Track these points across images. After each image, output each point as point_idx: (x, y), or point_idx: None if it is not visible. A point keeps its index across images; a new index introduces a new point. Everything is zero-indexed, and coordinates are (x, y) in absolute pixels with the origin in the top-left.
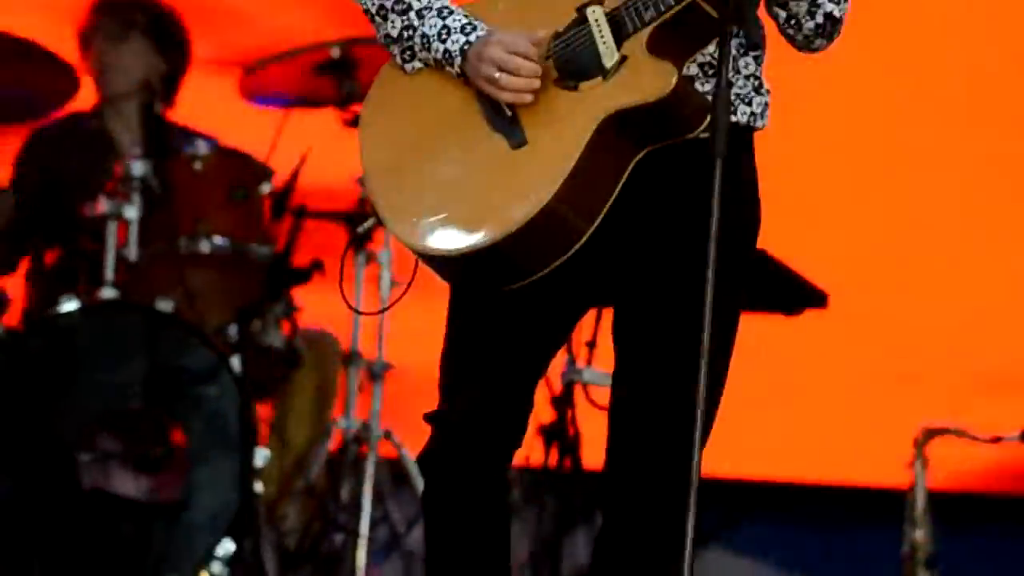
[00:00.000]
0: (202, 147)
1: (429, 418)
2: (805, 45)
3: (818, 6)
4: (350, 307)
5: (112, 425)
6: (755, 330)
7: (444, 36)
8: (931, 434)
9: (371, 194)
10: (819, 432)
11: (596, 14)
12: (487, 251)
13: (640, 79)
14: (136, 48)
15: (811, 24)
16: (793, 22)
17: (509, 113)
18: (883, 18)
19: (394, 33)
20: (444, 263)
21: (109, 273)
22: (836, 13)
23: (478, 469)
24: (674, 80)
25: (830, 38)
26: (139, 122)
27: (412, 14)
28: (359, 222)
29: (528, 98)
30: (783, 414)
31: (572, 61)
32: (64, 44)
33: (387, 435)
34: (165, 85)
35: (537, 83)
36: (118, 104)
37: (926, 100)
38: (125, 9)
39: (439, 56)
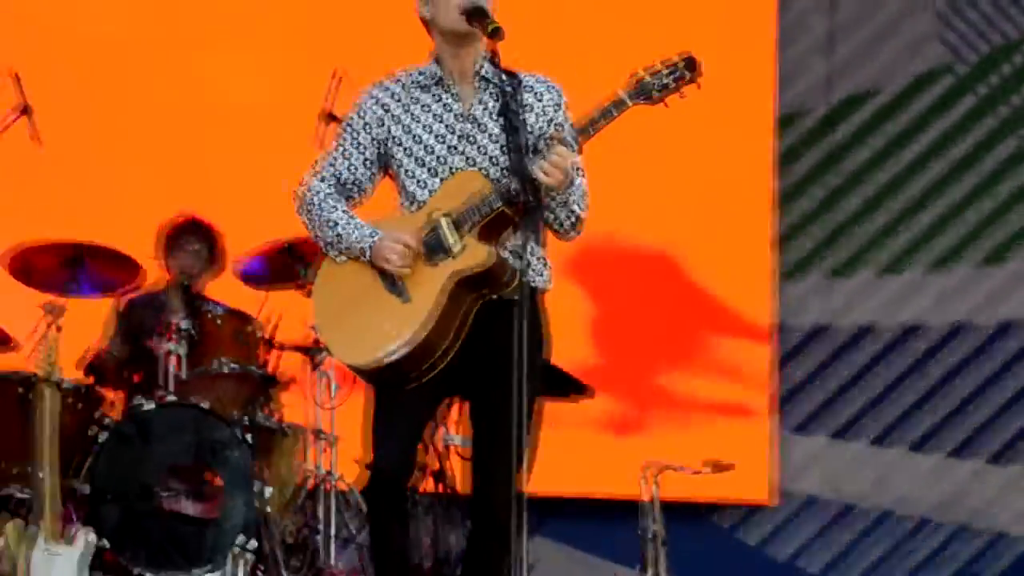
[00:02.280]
0: (219, 310)
1: (368, 465)
2: (563, 235)
3: (572, 212)
4: (315, 402)
5: (177, 474)
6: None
7: (360, 240)
8: (660, 468)
9: (319, 334)
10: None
11: (444, 219)
12: (391, 363)
13: (473, 256)
14: (196, 255)
15: (568, 223)
16: (556, 221)
17: (398, 281)
18: None
19: (329, 240)
20: (365, 373)
21: (169, 385)
22: (582, 216)
23: (394, 492)
24: (494, 257)
25: (577, 231)
26: (183, 297)
27: (339, 227)
28: (315, 352)
29: (407, 271)
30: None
31: (433, 247)
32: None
33: (340, 478)
34: (206, 276)
35: (410, 261)
36: (176, 285)
37: None
38: (194, 231)
39: (356, 252)
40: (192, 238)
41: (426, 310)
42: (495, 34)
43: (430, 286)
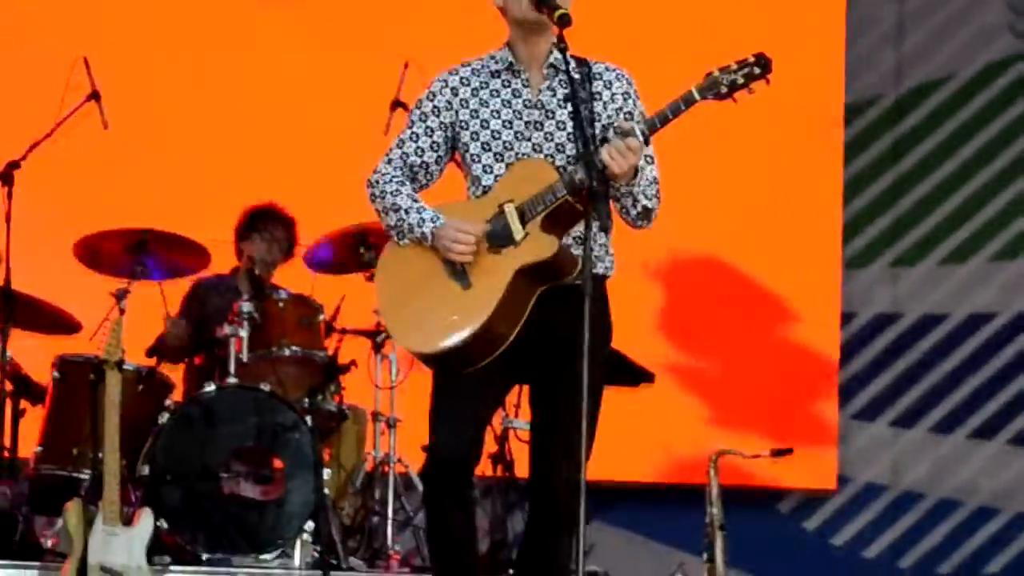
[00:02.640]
0: (283, 294)
1: (426, 448)
2: (633, 223)
3: (638, 201)
4: (375, 385)
5: (239, 457)
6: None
7: (421, 224)
8: (720, 453)
9: (382, 318)
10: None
11: (509, 208)
12: (451, 350)
13: (536, 246)
14: (272, 242)
15: (635, 212)
16: (624, 211)
17: (460, 268)
18: None
19: (392, 223)
20: (426, 358)
21: (232, 368)
22: (649, 206)
23: (454, 477)
24: (556, 247)
25: (648, 221)
26: (250, 281)
27: (402, 212)
28: (377, 335)
29: (469, 258)
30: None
31: (497, 236)
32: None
33: (399, 460)
34: (279, 262)
35: (473, 249)
36: (246, 270)
37: None
38: (273, 218)
39: (418, 236)
40: (270, 225)
41: (488, 299)
42: (563, 21)
43: (493, 275)
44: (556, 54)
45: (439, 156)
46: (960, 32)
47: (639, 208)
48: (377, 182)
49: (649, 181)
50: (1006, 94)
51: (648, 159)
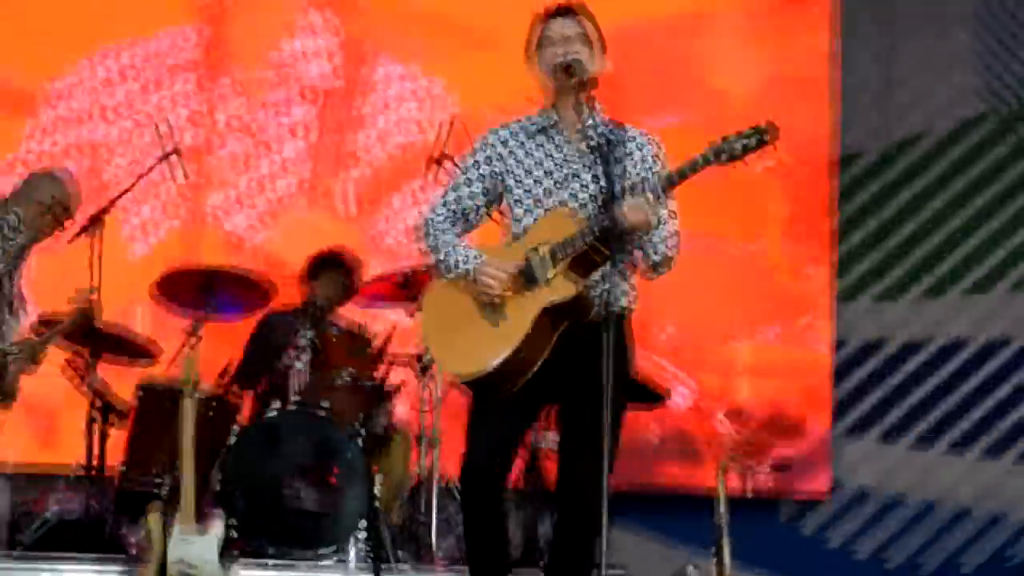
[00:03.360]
0: (338, 327)
1: (463, 460)
2: (652, 269)
3: (657, 250)
4: (420, 409)
5: (300, 471)
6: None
7: (466, 262)
8: (727, 466)
9: (426, 346)
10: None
11: (541, 251)
12: (485, 375)
13: (561, 287)
14: (336, 283)
15: (654, 259)
16: (645, 257)
17: (494, 303)
18: None
19: (440, 259)
20: (468, 381)
21: (293, 393)
22: (669, 254)
23: (488, 485)
24: (579, 289)
25: (666, 268)
26: (310, 318)
27: (449, 248)
28: (420, 362)
29: (499, 297)
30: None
31: (528, 276)
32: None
33: (442, 474)
34: (342, 301)
35: (505, 288)
36: (306, 306)
37: None
38: (338, 263)
39: (461, 272)
40: (332, 271)
41: (517, 332)
42: (583, 86)
43: (523, 311)
44: (596, 116)
45: (488, 201)
46: (936, 93)
47: (659, 256)
48: (430, 222)
49: (670, 233)
50: (976, 148)
51: (672, 214)
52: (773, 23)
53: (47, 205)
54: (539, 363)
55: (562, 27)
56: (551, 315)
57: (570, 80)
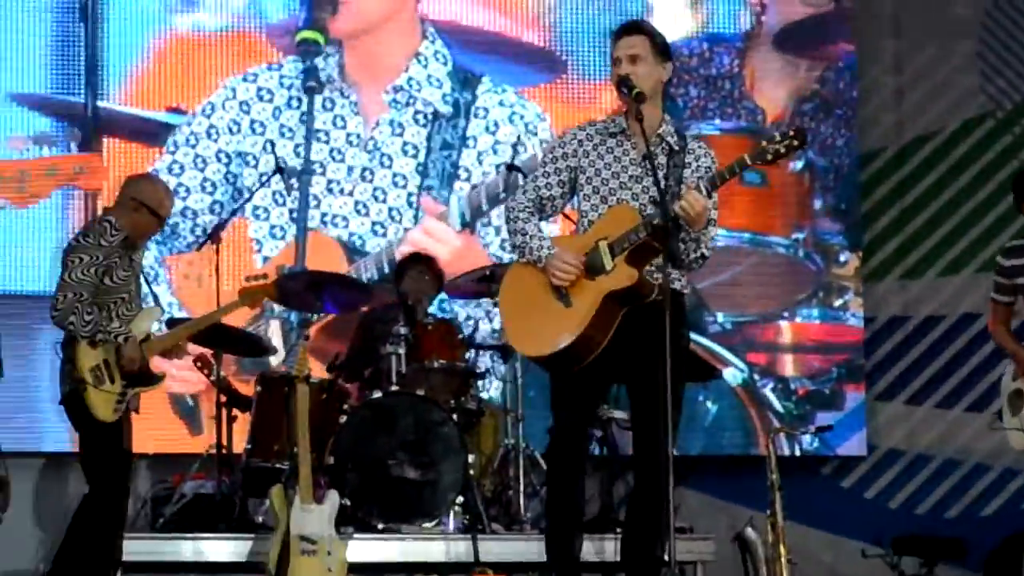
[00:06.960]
0: (431, 319)
1: (548, 431)
2: (689, 267)
3: (699, 247)
4: (504, 390)
5: (402, 448)
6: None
7: (540, 249)
8: (777, 431)
9: (504, 330)
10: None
11: (603, 244)
12: (556, 355)
13: (621, 276)
14: (420, 280)
15: (694, 255)
16: (684, 253)
17: (564, 290)
18: None
19: (518, 244)
20: (541, 361)
21: (393, 378)
22: (706, 254)
23: (570, 455)
24: (636, 278)
25: (700, 265)
26: (404, 311)
27: (527, 236)
28: (505, 348)
29: (568, 283)
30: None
31: (593, 265)
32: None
33: (527, 445)
34: (429, 295)
35: (573, 277)
36: (401, 302)
37: None
38: (420, 263)
39: (534, 259)
40: (418, 267)
41: (584, 315)
42: (637, 99)
43: (588, 296)
44: (664, 127)
45: (564, 192)
46: (945, 96)
47: (698, 253)
48: (513, 208)
49: (712, 236)
50: (981, 144)
51: (711, 221)
52: (800, 41)
53: (132, 206)
54: (604, 344)
55: (623, 46)
56: (612, 299)
57: (628, 95)
